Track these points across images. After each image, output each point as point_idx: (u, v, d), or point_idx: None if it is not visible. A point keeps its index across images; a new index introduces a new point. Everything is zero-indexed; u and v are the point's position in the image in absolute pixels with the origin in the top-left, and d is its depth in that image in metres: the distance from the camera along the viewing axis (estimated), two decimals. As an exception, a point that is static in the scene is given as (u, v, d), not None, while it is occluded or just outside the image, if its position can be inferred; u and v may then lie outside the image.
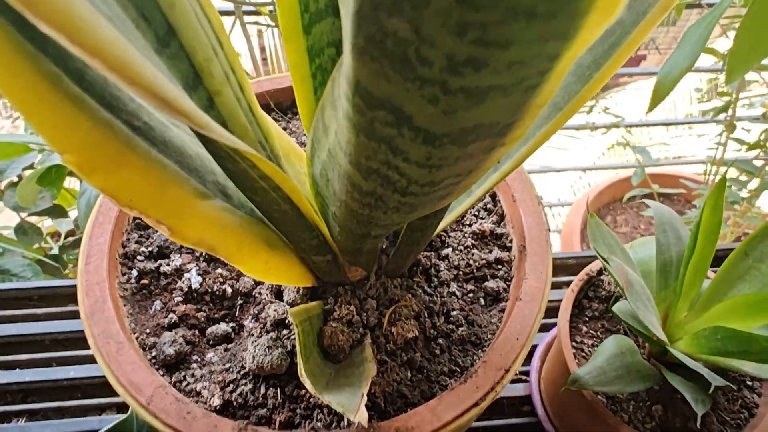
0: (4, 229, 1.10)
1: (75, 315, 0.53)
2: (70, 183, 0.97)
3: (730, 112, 0.88)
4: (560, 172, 1.80)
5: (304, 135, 0.37)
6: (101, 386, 0.49)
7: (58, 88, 0.15)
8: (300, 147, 0.29)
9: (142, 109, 0.18)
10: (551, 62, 0.13)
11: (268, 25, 0.86)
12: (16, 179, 0.94)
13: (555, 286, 0.56)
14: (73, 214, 1.04)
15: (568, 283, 0.55)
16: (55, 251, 1.03)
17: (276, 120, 0.38)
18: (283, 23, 0.21)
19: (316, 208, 0.26)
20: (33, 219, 1.03)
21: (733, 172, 1.11)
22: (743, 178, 0.99)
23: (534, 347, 0.52)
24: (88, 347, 0.49)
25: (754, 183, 0.96)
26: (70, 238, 1.07)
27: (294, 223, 0.24)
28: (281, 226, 0.24)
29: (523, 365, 0.52)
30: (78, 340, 0.52)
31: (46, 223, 1.18)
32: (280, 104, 0.38)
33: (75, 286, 0.55)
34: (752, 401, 0.38)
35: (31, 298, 0.55)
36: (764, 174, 0.89)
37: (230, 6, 0.74)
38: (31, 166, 0.90)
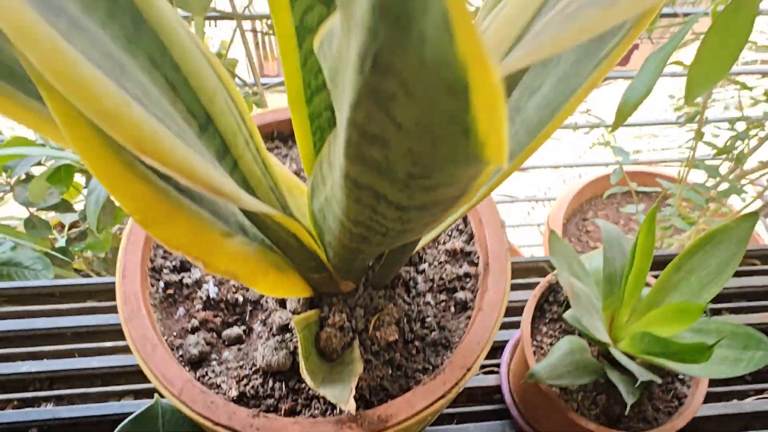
0: (5, 220, 1.15)
1: (94, 310, 0.59)
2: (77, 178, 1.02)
3: (698, 120, 0.94)
4: (553, 169, 1.86)
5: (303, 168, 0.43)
6: (119, 375, 0.55)
7: (133, 171, 0.21)
8: (300, 179, 0.35)
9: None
10: (475, 178, 0.19)
11: (265, 33, 0.91)
12: (24, 176, 0.99)
13: (525, 286, 0.62)
14: (77, 206, 1.09)
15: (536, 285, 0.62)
16: (61, 243, 1.08)
17: (278, 147, 0.44)
18: (290, 97, 0.27)
19: (314, 235, 0.32)
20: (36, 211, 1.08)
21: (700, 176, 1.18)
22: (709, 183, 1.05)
23: (506, 342, 0.59)
24: (106, 340, 0.55)
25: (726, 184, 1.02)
26: (75, 230, 1.13)
27: (297, 251, 0.29)
28: (287, 253, 0.30)
29: (494, 358, 0.59)
30: (96, 333, 0.58)
31: (49, 215, 1.23)
32: (282, 133, 0.44)
33: (92, 284, 0.61)
34: (683, 392, 0.44)
35: (54, 294, 0.61)
36: (729, 179, 0.96)
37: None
38: (39, 163, 0.95)
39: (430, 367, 0.35)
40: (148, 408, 0.38)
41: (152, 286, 0.36)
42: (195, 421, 0.31)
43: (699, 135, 0.95)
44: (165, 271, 0.37)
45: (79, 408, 0.53)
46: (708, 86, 0.59)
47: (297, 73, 0.26)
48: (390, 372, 0.34)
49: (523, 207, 2.02)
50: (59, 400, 0.54)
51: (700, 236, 0.42)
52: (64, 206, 1.00)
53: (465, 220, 0.41)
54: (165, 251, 0.38)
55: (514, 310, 0.60)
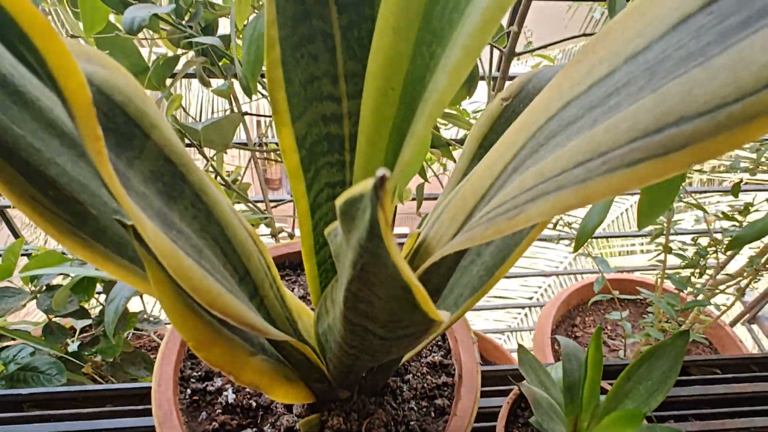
0: (19, 324, 1.21)
1: (112, 414, 0.65)
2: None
3: (665, 235, 1.04)
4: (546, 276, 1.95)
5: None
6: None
7: (193, 311, 0.29)
8: (306, 304, 0.43)
9: (225, 310, 0.32)
10: (436, 323, 0.27)
11: (276, 160, 1.03)
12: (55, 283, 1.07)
13: (503, 393, 0.69)
14: (88, 306, 1.15)
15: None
16: (74, 348, 1.14)
17: (288, 274, 0.52)
18: (304, 251, 0.36)
19: (318, 352, 0.40)
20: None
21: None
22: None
23: (488, 446, 0.64)
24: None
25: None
26: (86, 335, 1.19)
27: (305, 366, 0.37)
28: (296, 366, 0.38)
29: (478, 461, 0.64)
30: (115, 435, 0.63)
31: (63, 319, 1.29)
32: (292, 263, 0.53)
33: (110, 390, 0.67)
34: (642, 492, 0.50)
35: (75, 398, 0.67)
36: (697, 290, 1.04)
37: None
38: (60, 274, 1.03)
39: (413, 465, 0.41)
40: (168, 503, 0.44)
41: (181, 393, 0.43)
42: None
43: (667, 249, 1.04)
44: (192, 380, 0.44)
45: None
46: (654, 218, 0.68)
47: (309, 236, 0.35)
48: (379, 469, 0.41)
49: (520, 310, 2.09)
50: (78, 500, 0.59)
51: (645, 351, 0.49)
52: (81, 313, 1.07)
53: (444, 337, 0.49)
54: (192, 363, 0.46)
55: (493, 414, 0.66)
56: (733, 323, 1.60)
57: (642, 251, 2.00)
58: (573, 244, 1.50)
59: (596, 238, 1.47)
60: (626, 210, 2.38)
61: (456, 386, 0.45)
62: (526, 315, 2.07)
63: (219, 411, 0.43)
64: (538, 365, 0.52)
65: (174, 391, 0.42)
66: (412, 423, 0.43)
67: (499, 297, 2.17)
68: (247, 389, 0.45)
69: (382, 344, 0.31)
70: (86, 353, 1.15)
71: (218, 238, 0.29)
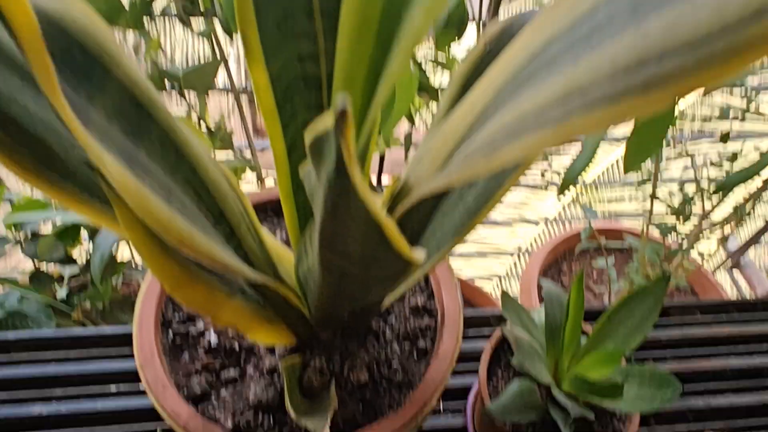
0: (6, 272, 1.21)
1: (98, 357, 0.65)
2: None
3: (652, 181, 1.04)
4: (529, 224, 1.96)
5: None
6: (123, 416, 0.61)
7: (168, 252, 0.28)
8: (288, 248, 0.43)
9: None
10: (408, 267, 0.27)
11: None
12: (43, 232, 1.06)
13: (487, 336, 0.70)
14: (75, 253, 1.15)
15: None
16: (62, 295, 1.15)
17: (270, 218, 0.52)
18: (282, 193, 0.35)
19: (299, 295, 0.40)
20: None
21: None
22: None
23: (471, 385, 0.66)
24: (110, 382, 0.62)
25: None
26: (74, 283, 1.19)
27: (285, 309, 0.37)
28: (277, 309, 0.38)
29: (462, 399, 0.65)
30: (101, 378, 0.64)
31: (50, 267, 1.29)
32: (275, 208, 0.52)
33: (97, 334, 0.67)
34: (619, 428, 0.51)
35: (62, 343, 0.67)
36: (682, 237, 1.05)
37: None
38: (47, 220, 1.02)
39: (396, 404, 0.42)
40: (155, 441, 0.45)
41: (163, 335, 0.43)
42: (198, 448, 0.38)
43: (653, 196, 1.04)
44: (173, 323, 0.44)
45: (87, 446, 0.58)
46: (643, 159, 0.68)
47: (287, 178, 0.34)
48: (361, 408, 0.41)
49: (509, 258, 2.11)
50: None
51: (626, 294, 0.50)
52: (68, 260, 1.07)
53: (427, 281, 0.49)
54: (174, 307, 0.46)
55: (477, 357, 0.67)
56: (715, 270, 1.62)
57: (631, 199, 2.01)
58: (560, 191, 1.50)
59: (584, 185, 1.48)
60: (616, 162, 2.38)
61: (438, 328, 0.45)
62: (515, 263, 2.10)
63: (201, 353, 0.43)
64: (520, 308, 0.53)
65: (155, 333, 0.42)
66: (394, 363, 0.44)
67: (488, 244, 2.19)
68: (230, 331, 0.45)
69: (360, 285, 0.30)
70: (75, 300, 1.16)
71: (190, 178, 0.28)
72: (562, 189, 0.68)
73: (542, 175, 1.37)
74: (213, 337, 0.44)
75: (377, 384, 0.43)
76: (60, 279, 1.25)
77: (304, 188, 0.37)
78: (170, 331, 0.44)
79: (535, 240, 2.01)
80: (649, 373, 0.47)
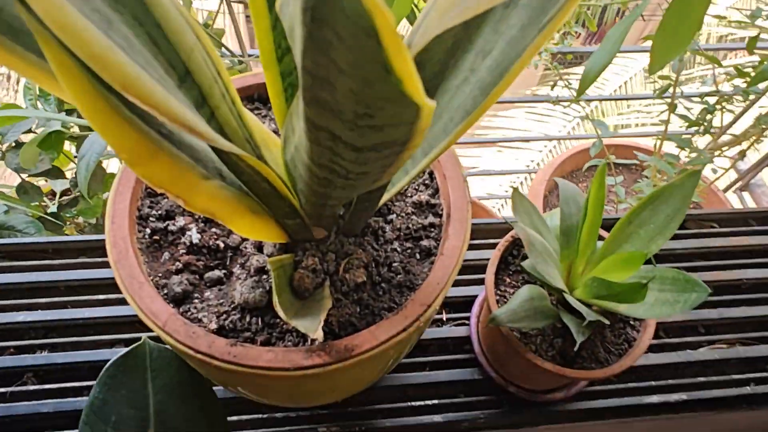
0: (3, 188, 1.16)
1: (85, 266, 0.62)
2: (66, 146, 1.03)
3: (671, 91, 0.98)
4: (530, 143, 1.89)
5: (279, 129, 0.45)
6: (110, 325, 0.59)
7: (120, 114, 0.23)
8: (276, 135, 0.38)
9: (166, 122, 0.27)
10: (415, 121, 0.22)
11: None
12: (14, 143, 1.00)
13: (491, 246, 0.66)
14: (68, 174, 1.11)
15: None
16: (53, 209, 1.11)
17: (258, 108, 0.46)
18: (263, 57, 0.30)
19: (288, 184, 0.35)
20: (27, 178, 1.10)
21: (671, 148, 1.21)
22: (681, 154, 1.09)
23: (476, 296, 0.62)
24: (97, 293, 0.58)
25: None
26: (65, 197, 1.15)
27: (271, 196, 0.33)
28: (262, 198, 0.33)
29: (465, 312, 0.62)
30: (88, 286, 0.61)
31: (41, 183, 1.25)
32: (262, 96, 0.47)
33: (83, 241, 0.64)
34: (632, 336, 0.48)
35: (47, 251, 0.63)
36: (701, 151, 0.99)
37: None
38: (29, 131, 0.97)
39: (395, 306, 0.38)
40: (136, 346, 0.42)
41: (139, 232, 0.39)
42: (178, 350, 0.34)
43: (672, 107, 0.98)
44: (151, 219, 0.40)
45: (72, 354, 0.56)
46: (671, 57, 0.62)
47: (268, 36, 0.29)
48: (358, 310, 0.38)
49: (515, 178, 2.06)
50: (53, 348, 0.57)
51: (650, 193, 0.45)
52: (55, 173, 1.02)
53: (431, 176, 0.44)
54: (151, 201, 0.41)
55: (483, 267, 0.64)
56: (725, 189, 1.58)
57: (640, 122, 1.94)
58: (572, 106, 1.43)
59: (599, 99, 1.40)
60: (630, 78, 2.28)
61: (444, 226, 0.41)
62: (521, 183, 2.05)
63: (182, 251, 0.39)
64: (533, 209, 0.49)
65: (130, 228, 0.38)
66: (395, 264, 0.40)
67: (490, 165, 2.14)
68: (214, 229, 0.41)
69: (354, 159, 0.26)
70: (67, 214, 1.12)
71: (141, 18, 0.23)
72: (581, 90, 0.62)
73: (552, 87, 1.30)
74: (195, 235, 0.40)
75: (376, 285, 0.39)
76: (52, 194, 1.21)
77: (289, 53, 0.31)
78: (147, 229, 0.40)
79: (542, 161, 1.95)
80: (671, 276, 0.43)
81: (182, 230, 0.40)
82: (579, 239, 0.45)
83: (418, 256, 0.41)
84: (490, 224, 0.68)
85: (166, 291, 0.37)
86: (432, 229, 0.42)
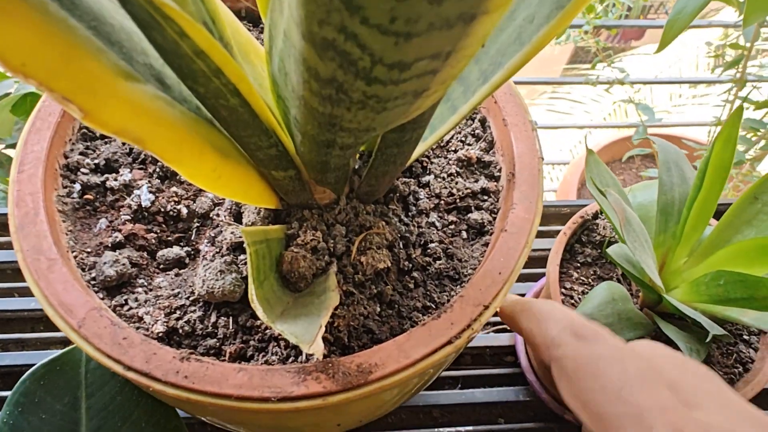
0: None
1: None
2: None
3: (740, 68, 0.84)
4: (562, 131, 1.75)
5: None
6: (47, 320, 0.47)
7: None
8: (262, 46, 0.26)
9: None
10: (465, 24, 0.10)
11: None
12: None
13: (546, 235, 0.53)
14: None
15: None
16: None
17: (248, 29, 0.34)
18: None
19: (277, 115, 0.23)
20: (10, 152, 0.99)
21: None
22: (749, 136, 0.95)
23: (522, 295, 0.50)
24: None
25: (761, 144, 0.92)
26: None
27: (246, 125, 0.20)
28: (232, 128, 0.21)
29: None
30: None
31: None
32: (251, 13, 0.34)
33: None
34: (747, 356, 0.35)
35: None
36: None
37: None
38: (6, 95, 0.86)
39: (433, 306, 0.26)
40: (66, 351, 0.30)
41: (64, 188, 0.27)
42: (101, 363, 0.22)
43: (741, 82, 0.84)
44: (83, 170, 0.28)
45: (12, 355, 0.44)
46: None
47: None
48: (378, 309, 0.25)
49: (551, 168, 1.91)
50: (-10, 346, 0.46)
51: None
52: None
53: (483, 123, 0.32)
54: (86, 146, 0.29)
55: (533, 260, 0.51)
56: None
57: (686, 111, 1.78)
58: (610, 88, 1.29)
59: (639, 83, 1.26)
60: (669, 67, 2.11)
61: (504, 191, 0.28)
62: (550, 178, 1.91)
63: (126, 218, 0.27)
64: (612, 180, 0.36)
65: (46, 181, 0.26)
66: (432, 245, 0.28)
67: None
68: (175, 188, 0.28)
69: (381, 51, 0.13)
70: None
71: None
72: (665, 39, 0.49)
73: (593, 66, 1.16)
74: (146, 195, 0.28)
75: (405, 274, 0.27)
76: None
77: None
78: (77, 184, 0.27)
79: (575, 148, 1.81)
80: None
81: (128, 188, 0.28)
82: (684, 219, 0.33)
83: (464, 234, 0.29)
84: (547, 206, 0.55)
85: (93, 274, 0.25)
86: (486, 197, 0.29)
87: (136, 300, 0.25)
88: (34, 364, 0.43)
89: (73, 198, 0.27)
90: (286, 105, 0.22)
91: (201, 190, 0.29)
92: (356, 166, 0.27)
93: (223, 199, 0.28)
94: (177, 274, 0.26)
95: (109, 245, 0.26)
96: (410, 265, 0.27)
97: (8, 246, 0.50)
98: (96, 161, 0.28)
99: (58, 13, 0.15)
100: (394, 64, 0.15)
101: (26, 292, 0.48)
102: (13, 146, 0.90)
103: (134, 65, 0.18)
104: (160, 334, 0.23)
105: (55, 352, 0.44)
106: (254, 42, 0.25)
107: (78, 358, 0.30)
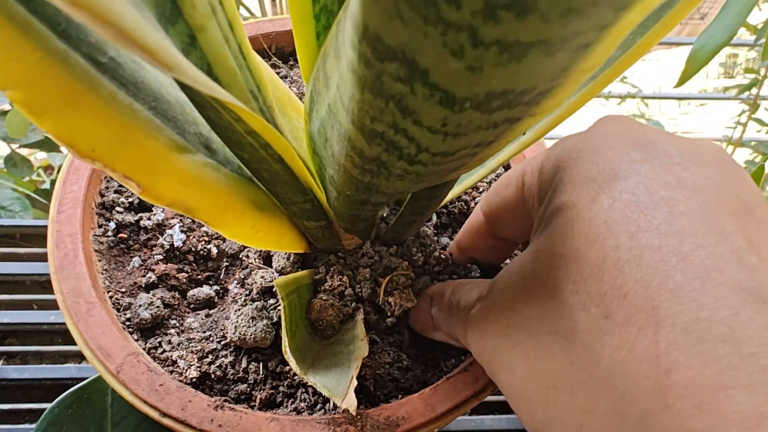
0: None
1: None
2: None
3: (754, 91, 0.84)
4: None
5: (305, 86, 0.34)
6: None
7: (26, 31, 0.12)
8: (299, 99, 0.26)
9: (108, 43, 0.15)
10: (616, 13, 0.10)
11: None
12: (8, 107, 0.90)
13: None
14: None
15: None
16: (47, 186, 1.00)
17: (275, 67, 0.35)
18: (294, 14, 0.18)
19: (312, 168, 0.24)
20: (24, 151, 1.00)
21: (746, 154, 1.08)
22: (758, 160, 0.96)
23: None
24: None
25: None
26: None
27: (286, 184, 0.21)
28: (271, 186, 0.21)
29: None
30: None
31: (39, 156, 1.15)
32: (281, 50, 0.35)
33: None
34: None
35: (14, 236, 0.53)
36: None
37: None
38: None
39: (466, 352, 0.27)
40: (93, 380, 0.30)
41: (99, 226, 0.28)
42: (139, 409, 0.23)
43: (755, 106, 0.85)
44: (118, 208, 0.29)
45: (31, 368, 0.45)
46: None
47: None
48: (405, 359, 0.26)
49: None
50: (10, 358, 0.46)
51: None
52: (49, 144, 0.92)
53: (506, 169, 0.32)
54: (120, 184, 0.30)
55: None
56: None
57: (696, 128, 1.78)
58: (621, 102, 1.29)
59: (649, 98, 1.27)
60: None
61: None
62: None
63: (159, 257, 0.28)
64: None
65: (85, 222, 0.26)
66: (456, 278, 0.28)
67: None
68: (204, 227, 0.29)
69: (441, 123, 0.14)
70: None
71: None
72: (686, 73, 0.49)
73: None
74: (178, 235, 0.28)
75: (428, 320, 0.27)
76: (51, 171, 1.11)
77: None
78: (111, 222, 0.28)
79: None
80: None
81: (161, 227, 0.29)
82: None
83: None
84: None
85: (128, 315, 0.26)
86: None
87: (170, 342, 0.25)
88: (53, 379, 0.44)
89: (108, 237, 0.28)
90: (323, 163, 0.22)
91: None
92: (384, 214, 0.28)
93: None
94: (207, 315, 0.27)
95: (143, 285, 0.27)
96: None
97: (27, 258, 0.51)
98: (130, 200, 0.29)
99: (125, 101, 0.15)
100: (438, 153, 0.16)
101: (45, 305, 0.49)
102: (28, 146, 0.91)
103: (186, 136, 0.18)
104: (194, 379, 0.24)
105: (71, 366, 0.45)
106: (290, 94, 0.25)
107: (104, 386, 0.31)
